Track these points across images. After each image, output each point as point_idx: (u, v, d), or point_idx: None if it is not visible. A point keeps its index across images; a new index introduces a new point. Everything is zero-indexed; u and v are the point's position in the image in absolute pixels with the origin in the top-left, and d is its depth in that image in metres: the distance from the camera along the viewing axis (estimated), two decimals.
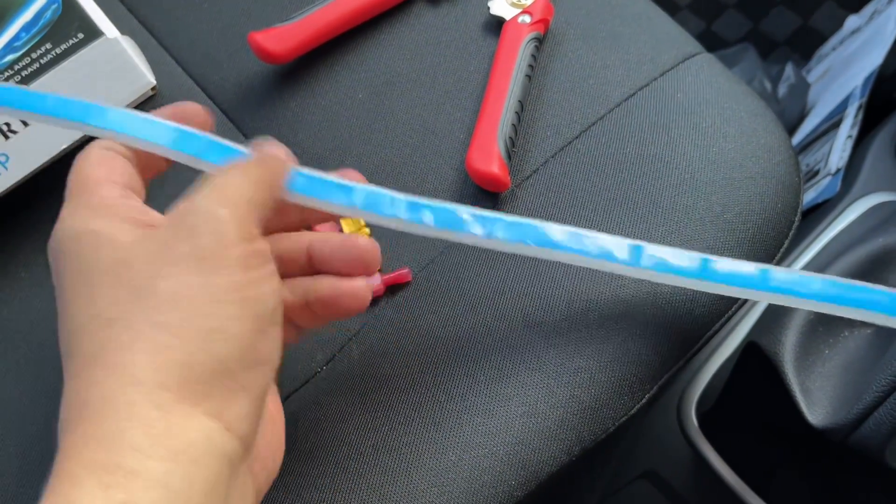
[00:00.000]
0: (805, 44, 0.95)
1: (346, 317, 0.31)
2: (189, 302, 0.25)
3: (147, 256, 0.26)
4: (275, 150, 0.30)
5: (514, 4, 0.44)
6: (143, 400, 0.24)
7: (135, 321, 0.25)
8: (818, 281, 0.32)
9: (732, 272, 0.32)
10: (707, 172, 0.39)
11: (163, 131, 0.30)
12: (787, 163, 0.41)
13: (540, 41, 0.43)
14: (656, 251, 0.32)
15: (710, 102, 0.41)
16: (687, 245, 0.38)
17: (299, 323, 0.32)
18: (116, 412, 0.23)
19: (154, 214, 0.28)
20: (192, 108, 0.31)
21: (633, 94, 0.42)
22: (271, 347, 0.27)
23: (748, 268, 0.32)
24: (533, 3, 0.44)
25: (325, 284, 0.31)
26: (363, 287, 0.31)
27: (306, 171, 0.30)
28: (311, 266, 0.31)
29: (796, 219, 0.40)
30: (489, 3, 0.44)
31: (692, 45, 0.44)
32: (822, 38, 0.93)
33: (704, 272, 0.32)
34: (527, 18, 0.43)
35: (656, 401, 0.39)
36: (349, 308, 0.31)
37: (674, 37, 0.44)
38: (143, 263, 0.25)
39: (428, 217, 0.31)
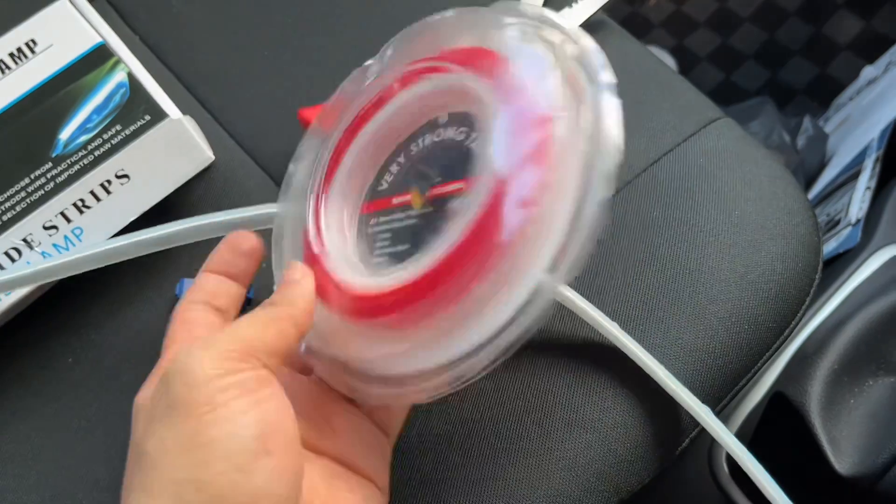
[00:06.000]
0: (823, 92, 0.97)
1: None
2: (163, 457, 0.24)
3: (142, 421, 0.26)
4: (302, 287, 0.30)
5: None
6: None
7: (133, 489, 0.25)
8: None
9: None
10: (730, 234, 0.42)
11: None
12: (807, 223, 0.43)
13: None
14: None
15: (731, 167, 0.44)
16: (713, 304, 0.40)
17: (388, 431, 0.34)
18: None
19: None
20: (245, 238, 0.35)
21: (658, 159, 0.45)
22: (264, 481, 0.24)
23: None
24: None
25: None
26: None
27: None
28: None
29: (817, 276, 0.42)
30: None
31: (713, 110, 0.47)
32: (839, 86, 0.96)
33: None
34: None
35: (688, 450, 0.41)
36: None
37: (695, 103, 0.47)
38: (140, 429, 0.26)
39: None
